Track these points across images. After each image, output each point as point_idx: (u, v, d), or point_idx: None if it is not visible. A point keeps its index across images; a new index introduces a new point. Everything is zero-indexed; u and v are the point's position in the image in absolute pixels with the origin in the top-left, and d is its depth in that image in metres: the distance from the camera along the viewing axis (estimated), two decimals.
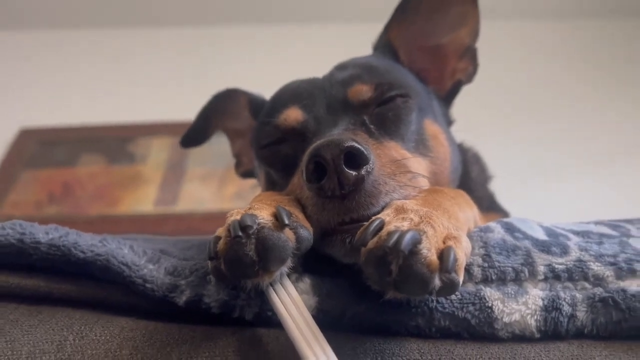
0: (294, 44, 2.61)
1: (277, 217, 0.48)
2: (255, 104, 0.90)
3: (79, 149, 2.39)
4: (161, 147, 2.38)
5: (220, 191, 2.23)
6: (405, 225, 0.45)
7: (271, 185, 0.71)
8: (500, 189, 0.95)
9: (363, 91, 0.67)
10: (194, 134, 0.97)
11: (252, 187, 0.97)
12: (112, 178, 2.30)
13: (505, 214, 0.87)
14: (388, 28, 0.82)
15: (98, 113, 2.43)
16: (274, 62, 2.34)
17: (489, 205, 0.86)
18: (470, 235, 0.54)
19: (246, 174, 1.01)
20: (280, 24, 2.68)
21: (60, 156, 2.37)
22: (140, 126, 2.42)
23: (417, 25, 0.80)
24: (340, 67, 0.75)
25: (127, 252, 0.53)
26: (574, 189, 2.14)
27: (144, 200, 2.21)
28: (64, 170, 2.33)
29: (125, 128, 2.43)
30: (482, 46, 0.82)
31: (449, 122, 0.83)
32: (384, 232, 0.44)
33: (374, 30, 0.85)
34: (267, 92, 0.84)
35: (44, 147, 2.39)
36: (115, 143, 2.41)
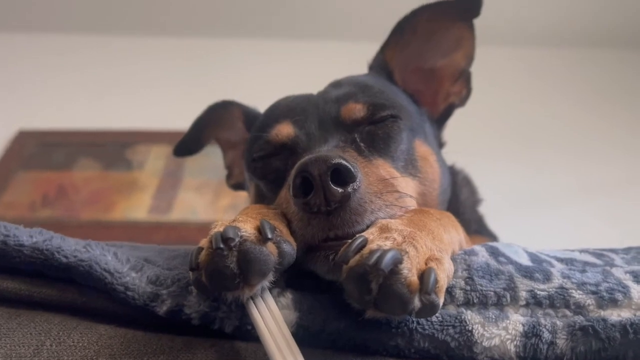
0: (293, 59, 2.63)
1: (260, 230, 0.48)
2: (249, 116, 0.90)
3: (76, 153, 2.39)
4: (158, 155, 2.38)
5: (214, 202, 2.22)
6: (387, 244, 0.45)
7: (260, 198, 0.72)
8: (491, 213, 0.95)
9: (356, 110, 0.68)
10: (188, 143, 0.97)
11: (246, 200, 0.97)
12: (107, 183, 2.29)
13: (493, 237, 0.87)
14: (384, 48, 0.83)
15: (97, 118, 2.44)
16: (273, 76, 2.35)
17: (477, 229, 0.87)
18: (454, 258, 0.54)
19: (237, 186, 1.01)
20: (281, 39, 2.72)
21: (57, 159, 2.37)
22: (139, 133, 2.42)
23: (413, 47, 0.81)
24: (335, 85, 0.76)
25: (111, 259, 0.53)
26: (566, 217, 2.14)
27: (138, 207, 2.21)
28: (60, 173, 2.32)
29: (123, 134, 2.43)
30: (478, 71, 0.83)
31: (440, 144, 0.83)
32: (366, 250, 0.44)
33: (371, 49, 0.86)
34: (264, 105, 0.84)
35: (41, 149, 2.39)
36: (113, 149, 2.41)
